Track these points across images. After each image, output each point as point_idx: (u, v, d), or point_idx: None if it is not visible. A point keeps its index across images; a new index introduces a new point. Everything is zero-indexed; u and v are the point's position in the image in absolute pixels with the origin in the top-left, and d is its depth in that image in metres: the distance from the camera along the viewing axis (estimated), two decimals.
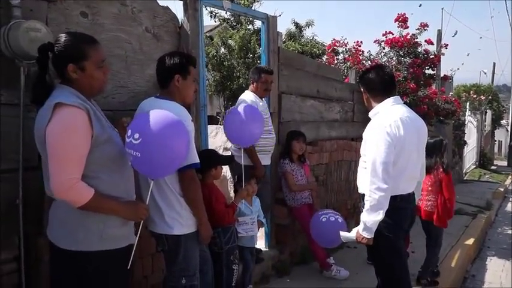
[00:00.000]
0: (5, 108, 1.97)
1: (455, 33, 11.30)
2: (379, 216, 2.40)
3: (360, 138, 5.79)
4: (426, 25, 6.68)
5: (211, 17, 9.52)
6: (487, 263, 5.17)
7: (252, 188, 3.22)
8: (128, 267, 1.85)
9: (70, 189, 1.63)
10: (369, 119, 2.67)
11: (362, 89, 2.74)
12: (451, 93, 10.57)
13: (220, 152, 5.00)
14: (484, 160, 16.00)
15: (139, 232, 1.93)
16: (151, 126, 1.83)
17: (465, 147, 12.58)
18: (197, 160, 2.21)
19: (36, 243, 2.08)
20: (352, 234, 2.58)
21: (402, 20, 6.54)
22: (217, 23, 10.10)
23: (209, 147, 3.48)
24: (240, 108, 3.19)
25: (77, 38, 1.77)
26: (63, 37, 1.74)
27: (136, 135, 1.82)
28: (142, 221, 1.97)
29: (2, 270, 1.99)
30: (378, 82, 2.62)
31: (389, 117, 2.49)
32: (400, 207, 2.54)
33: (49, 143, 1.62)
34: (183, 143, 1.94)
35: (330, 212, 3.65)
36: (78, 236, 1.73)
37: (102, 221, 1.76)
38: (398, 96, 2.67)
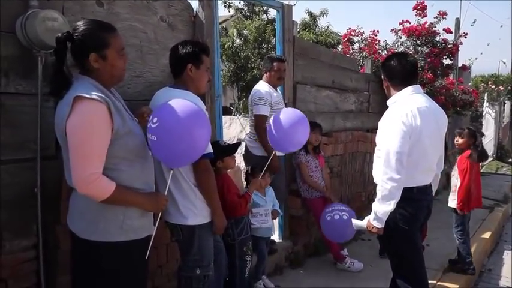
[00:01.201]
0: (23, 98, 1.99)
1: (474, 22, 11.02)
2: (390, 206, 2.37)
3: (375, 130, 5.74)
4: (445, 13, 6.53)
5: (225, 7, 9.47)
6: (503, 257, 5.08)
7: (265, 180, 3.20)
8: (146, 257, 1.86)
9: (91, 184, 1.62)
10: (385, 110, 2.62)
11: (382, 77, 2.68)
12: (469, 83, 10.35)
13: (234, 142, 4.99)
14: (502, 152, 15.67)
15: (157, 223, 1.94)
16: (171, 113, 1.83)
17: (483, 139, 12.34)
18: (211, 150, 2.20)
19: (53, 231, 2.11)
20: (364, 222, 2.56)
21: (421, 8, 6.40)
22: (231, 13, 10.04)
23: (223, 138, 3.47)
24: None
25: (97, 25, 1.73)
26: (81, 25, 1.69)
27: (155, 119, 1.82)
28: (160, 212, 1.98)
29: (23, 257, 2.02)
30: (400, 70, 2.55)
31: (406, 106, 2.44)
32: (416, 199, 2.50)
33: (69, 138, 1.61)
34: (204, 134, 1.92)
35: (335, 208, 3.61)
36: (98, 227, 1.73)
37: (122, 212, 1.76)
38: (419, 86, 2.61)
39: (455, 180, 4.02)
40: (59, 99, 1.70)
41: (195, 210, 2.24)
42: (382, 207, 2.38)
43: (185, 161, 2.00)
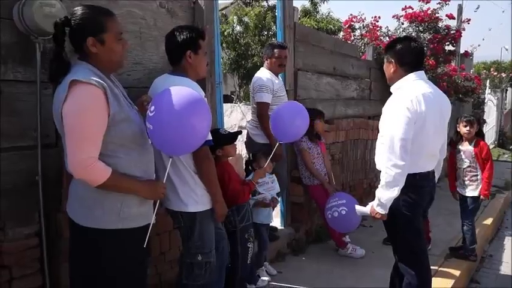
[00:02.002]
0: (22, 85, 1.97)
1: (478, 8, 10.87)
2: (394, 192, 2.36)
3: (376, 117, 5.70)
4: None
5: None
6: (504, 243, 5.10)
7: (269, 166, 3.20)
8: (144, 246, 1.84)
9: (87, 168, 1.61)
10: (387, 97, 2.59)
11: (389, 60, 2.57)
12: (471, 70, 10.28)
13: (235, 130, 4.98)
14: (504, 139, 15.63)
15: (155, 211, 1.93)
16: (168, 101, 1.78)
17: (484, 126, 12.30)
18: (210, 137, 2.19)
19: (55, 219, 2.12)
20: (368, 208, 2.56)
21: None
22: (231, 0, 9.93)
23: (224, 126, 3.46)
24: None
25: (94, 10, 1.72)
26: (79, 10, 1.69)
27: (152, 108, 1.79)
28: (158, 200, 1.97)
29: (26, 244, 2.03)
30: (410, 53, 2.50)
31: (410, 92, 2.41)
32: (419, 185, 2.49)
33: (65, 122, 1.61)
34: (203, 124, 1.88)
35: (333, 205, 3.62)
36: (95, 214, 1.73)
37: (120, 200, 1.75)
38: (423, 71, 2.58)
39: (474, 171, 3.90)
40: (57, 85, 1.69)
41: (195, 197, 2.24)
42: (386, 194, 2.37)
43: (184, 150, 1.98)
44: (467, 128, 3.90)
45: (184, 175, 2.22)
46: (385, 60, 2.65)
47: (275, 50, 3.60)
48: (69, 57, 1.75)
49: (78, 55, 1.73)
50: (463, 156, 3.96)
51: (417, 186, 2.48)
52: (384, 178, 2.37)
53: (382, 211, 2.43)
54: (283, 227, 4.08)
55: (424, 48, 2.59)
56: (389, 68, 2.59)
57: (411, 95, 2.39)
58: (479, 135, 4.01)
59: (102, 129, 1.65)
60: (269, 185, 3.25)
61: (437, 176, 2.73)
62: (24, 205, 2.02)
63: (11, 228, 1.98)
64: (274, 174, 3.31)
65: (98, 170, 1.64)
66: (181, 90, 1.86)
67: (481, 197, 3.91)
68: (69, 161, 1.63)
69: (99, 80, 1.63)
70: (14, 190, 1.97)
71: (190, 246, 2.30)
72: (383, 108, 2.55)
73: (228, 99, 8.96)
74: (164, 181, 1.96)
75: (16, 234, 1.99)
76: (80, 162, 1.61)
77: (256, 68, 4.59)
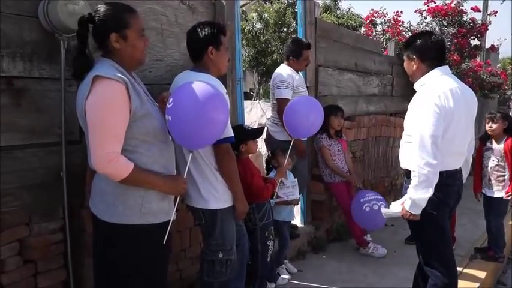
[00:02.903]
0: (47, 83, 2.00)
1: (504, 0, 10.51)
2: (429, 193, 2.28)
3: (399, 114, 5.61)
4: None
5: None
6: None
7: (288, 163, 3.17)
8: (164, 242, 1.84)
9: (109, 163, 1.63)
10: (409, 94, 2.51)
11: (411, 57, 2.49)
12: (497, 65, 9.98)
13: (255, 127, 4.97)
14: None
15: (175, 208, 1.93)
16: (187, 93, 1.81)
17: None
18: (232, 134, 2.18)
19: (79, 214, 2.14)
20: (395, 210, 2.49)
21: None
22: None
23: (245, 123, 3.44)
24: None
25: (117, 6, 1.74)
26: (102, 7, 1.71)
27: (171, 99, 1.82)
28: (179, 196, 1.97)
29: (51, 239, 2.06)
30: (431, 47, 2.42)
31: (437, 88, 2.33)
32: (445, 184, 2.41)
33: (88, 117, 1.63)
34: (220, 118, 1.88)
35: (372, 198, 3.57)
36: (117, 209, 1.74)
37: (141, 196, 1.75)
38: (447, 66, 2.50)
39: (502, 170, 3.76)
40: (80, 82, 1.71)
41: (216, 194, 2.23)
42: (419, 194, 2.29)
43: (202, 143, 1.97)
44: (490, 124, 3.80)
45: (206, 172, 2.22)
46: (405, 57, 2.57)
47: (303, 51, 3.55)
48: (93, 54, 1.77)
49: (102, 52, 1.75)
50: (491, 154, 3.83)
51: (444, 185, 2.40)
52: (416, 178, 2.29)
53: (416, 211, 2.35)
54: (303, 225, 4.05)
55: (444, 41, 2.50)
56: (411, 65, 2.51)
57: (438, 90, 2.32)
58: (509, 132, 3.83)
59: (124, 124, 1.66)
60: (289, 190, 3.21)
61: (465, 175, 2.64)
62: (49, 200, 2.05)
63: (37, 223, 2.01)
64: (296, 180, 3.26)
65: (120, 164, 1.65)
66: (200, 84, 1.86)
67: (504, 196, 3.75)
68: (92, 155, 1.65)
69: (121, 76, 1.65)
70: (39, 185, 2.00)
71: (211, 244, 2.29)
72: (408, 106, 2.48)
73: (247, 96, 8.95)
74: (185, 176, 1.97)
75: (41, 229, 2.03)
76: (103, 157, 1.62)
77: (276, 65, 4.56)
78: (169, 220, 1.89)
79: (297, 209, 3.95)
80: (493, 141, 3.85)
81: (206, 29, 2.22)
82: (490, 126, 3.80)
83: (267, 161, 3.41)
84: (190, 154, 1.98)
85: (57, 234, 2.09)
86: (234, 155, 2.29)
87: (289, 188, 3.20)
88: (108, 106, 1.62)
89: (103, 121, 1.61)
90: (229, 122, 2.16)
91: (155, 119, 1.79)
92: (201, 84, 1.87)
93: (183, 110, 1.79)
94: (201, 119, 1.80)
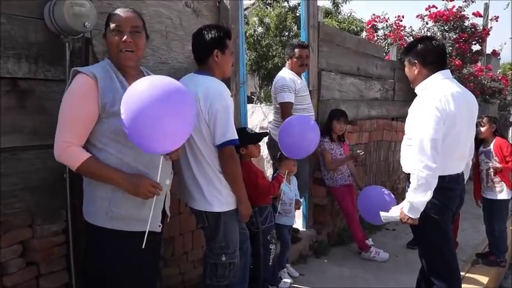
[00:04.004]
0: (52, 84, 2.00)
1: (508, 5, 10.53)
2: (427, 196, 2.28)
3: (400, 118, 5.60)
4: None
5: None
6: None
7: (294, 166, 3.17)
8: (138, 253, 1.75)
9: (62, 151, 1.69)
10: (411, 98, 2.51)
11: (412, 62, 2.50)
12: (498, 71, 9.99)
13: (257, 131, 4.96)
14: None
15: (148, 218, 1.75)
16: (137, 99, 1.56)
17: (510, 128, 11.94)
18: (236, 137, 2.18)
19: (80, 216, 2.13)
20: (394, 214, 2.48)
21: None
22: (252, 1, 9.93)
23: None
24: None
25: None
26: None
27: (122, 109, 1.59)
28: (168, 210, 1.96)
29: (53, 241, 2.05)
30: (432, 52, 2.43)
31: (439, 91, 2.33)
32: (448, 188, 2.41)
33: (60, 107, 1.72)
34: (178, 111, 1.63)
35: (384, 190, 3.57)
36: (89, 209, 1.79)
37: (108, 199, 1.74)
38: (449, 70, 2.50)
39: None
40: None
41: (220, 197, 2.23)
42: (418, 197, 2.29)
43: (166, 146, 1.69)
44: (478, 128, 3.83)
45: (210, 175, 2.21)
46: (406, 63, 2.57)
47: (295, 50, 3.56)
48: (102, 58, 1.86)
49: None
50: (485, 157, 3.89)
51: (446, 189, 2.40)
52: (415, 181, 2.29)
53: (414, 216, 2.34)
54: (305, 229, 4.04)
55: (445, 46, 2.50)
56: (412, 70, 2.51)
57: (439, 94, 2.32)
58: (497, 134, 3.91)
59: (83, 117, 1.69)
60: (286, 207, 3.21)
61: (466, 177, 2.65)
62: (53, 202, 2.05)
63: (40, 225, 2.01)
64: (294, 199, 3.26)
65: (74, 153, 1.69)
66: (153, 81, 1.64)
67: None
68: (54, 143, 1.72)
69: (94, 71, 1.71)
70: (43, 187, 1.99)
71: (214, 247, 2.28)
72: (409, 109, 2.48)
73: (248, 100, 8.94)
74: (158, 181, 1.75)
75: (44, 231, 2.02)
76: (58, 146, 1.70)
77: (277, 68, 4.57)
78: (156, 232, 1.83)
79: (299, 213, 3.93)
80: (485, 145, 3.91)
81: (212, 32, 2.23)
82: (479, 130, 3.85)
83: (274, 166, 3.40)
84: (162, 158, 1.75)
85: (60, 236, 2.08)
86: (238, 157, 2.29)
87: (286, 204, 3.21)
88: (71, 98, 1.70)
89: (63, 111, 1.70)
90: (233, 124, 2.16)
91: None
92: (156, 81, 1.66)
93: (136, 122, 1.56)
94: (155, 130, 1.58)
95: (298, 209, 3.44)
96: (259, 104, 6.86)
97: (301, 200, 3.54)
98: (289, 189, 3.24)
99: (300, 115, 3.36)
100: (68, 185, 2.04)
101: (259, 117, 5.36)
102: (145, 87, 1.59)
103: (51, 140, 1.98)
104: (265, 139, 3.87)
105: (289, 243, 3.35)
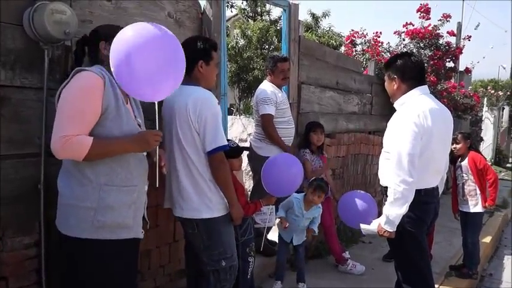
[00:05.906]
0: (29, 92, 1.95)
1: (478, 26, 10.99)
2: (403, 209, 2.32)
3: (377, 132, 5.69)
4: (449, 16, 6.52)
5: (227, 7, 9.44)
6: (504, 261, 5.07)
7: (319, 199, 3.30)
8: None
9: (65, 144, 1.61)
10: (388, 113, 2.57)
11: (391, 77, 2.55)
12: (469, 87, 10.36)
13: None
14: (500, 157, 15.68)
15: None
16: (120, 46, 1.65)
17: (481, 143, 12.35)
18: (225, 142, 2.24)
19: (54, 228, 2.07)
20: (373, 226, 2.52)
21: (425, 11, 6.38)
22: (234, 13, 10.02)
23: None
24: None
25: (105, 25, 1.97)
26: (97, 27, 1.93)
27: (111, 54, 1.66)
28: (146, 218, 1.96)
29: (24, 254, 1.98)
30: (411, 68, 2.49)
31: (417, 107, 2.40)
32: (424, 202, 2.47)
33: (59, 102, 1.67)
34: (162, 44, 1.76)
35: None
36: (70, 222, 1.72)
37: (93, 208, 1.71)
38: (426, 86, 2.58)
39: (472, 185, 3.92)
40: None
41: (209, 204, 2.26)
42: (394, 211, 2.33)
43: (154, 92, 1.77)
44: (453, 145, 3.94)
45: (200, 184, 2.24)
46: (386, 77, 2.63)
47: (278, 64, 3.59)
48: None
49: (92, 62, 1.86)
50: (461, 171, 4.02)
51: (422, 203, 2.45)
52: (392, 195, 2.33)
53: (390, 229, 2.38)
54: None
55: (423, 62, 2.58)
56: (391, 85, 2.57)
57: (418, 109, 2.38)
58: (472, 149, 4.05)
59: (90, 112, 1.67)
60: (266, 217, 3.12)
61: (440, 191, 2.71)
62: (25, 214, 1.98)
63: (10, 237, 1.94)
64: (274, 207, 3.22)
65: (76, 142, 1.62)
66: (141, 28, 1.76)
67: (486, 205, 3.90)
68: (51, 141, 1.63)
69: (102, 72, 1.72)
70: (15, 198, 1.93)
71: (213, 254, 2.31)
72: (388, 124, 2.54)
73: (228, 111, 8.95)
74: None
75: (15, 244, 1.95)
76: (56, 141, 1.61)
77: (257, 81, 4.60)
78: (137, 238, 1.85)
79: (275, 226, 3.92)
80: (461, 160, 4.04)
81: (198, 43, 2.27)
82: (455, 147, 3.97)
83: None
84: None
85: (32, 249, 2.01)
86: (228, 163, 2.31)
87: (266, 214, 3.17)
88: (77, 90, 1.66)
89: (69, 103, 1.65)
90: (222, 130, 2.22)
91: (126, 129, 1.77)
92: (143, 28, 1.77)
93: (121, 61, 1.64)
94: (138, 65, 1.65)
95: (309, 238, 3.50)
96: (238, 116, 6.87)
97: (316, 230, 3.54)
98: (302, 214, 3.33)
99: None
100: (42, 196, 1.98)
101: (239, 129, 5.37)
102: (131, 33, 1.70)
103: (27, 148, 1.96)
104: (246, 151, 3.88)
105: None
